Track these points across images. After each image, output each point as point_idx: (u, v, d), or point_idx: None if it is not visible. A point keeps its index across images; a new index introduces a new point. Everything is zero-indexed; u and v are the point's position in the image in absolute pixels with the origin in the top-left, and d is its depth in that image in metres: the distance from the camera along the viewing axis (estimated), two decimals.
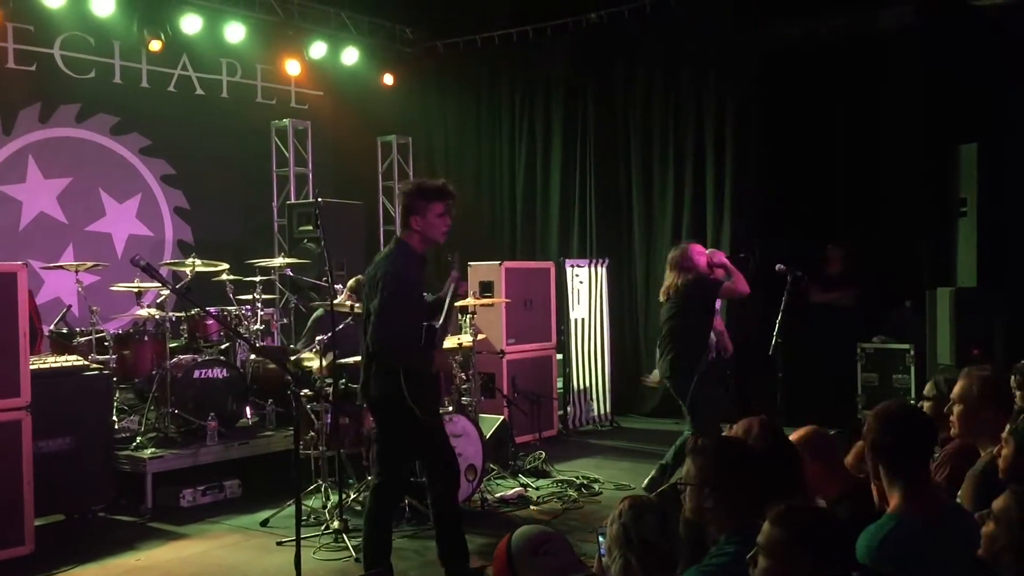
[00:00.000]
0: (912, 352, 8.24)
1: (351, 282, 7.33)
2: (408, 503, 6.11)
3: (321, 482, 6.26)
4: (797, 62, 8.86)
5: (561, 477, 7.14)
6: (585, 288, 9.52)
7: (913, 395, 8.02)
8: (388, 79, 11.28)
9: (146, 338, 7.26)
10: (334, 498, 5.99)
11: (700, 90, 9.69)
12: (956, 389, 3.60)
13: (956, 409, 3.55)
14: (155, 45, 9.12)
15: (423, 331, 4.57)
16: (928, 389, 4.25)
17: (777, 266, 7.17)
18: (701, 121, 9.69)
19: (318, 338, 6.60)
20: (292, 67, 10.53)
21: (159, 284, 6.04)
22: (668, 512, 2.90)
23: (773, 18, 9.03)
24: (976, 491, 3.20)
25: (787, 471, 3.29)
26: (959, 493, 3.34)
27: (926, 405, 4.25)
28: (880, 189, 8.64)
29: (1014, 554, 2.26)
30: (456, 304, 5.00)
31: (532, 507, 6.47)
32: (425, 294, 4.82)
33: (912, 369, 8.22)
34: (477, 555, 5.32)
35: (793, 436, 3.44)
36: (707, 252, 6.76)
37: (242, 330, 7.35)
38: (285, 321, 9.65)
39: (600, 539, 3.19)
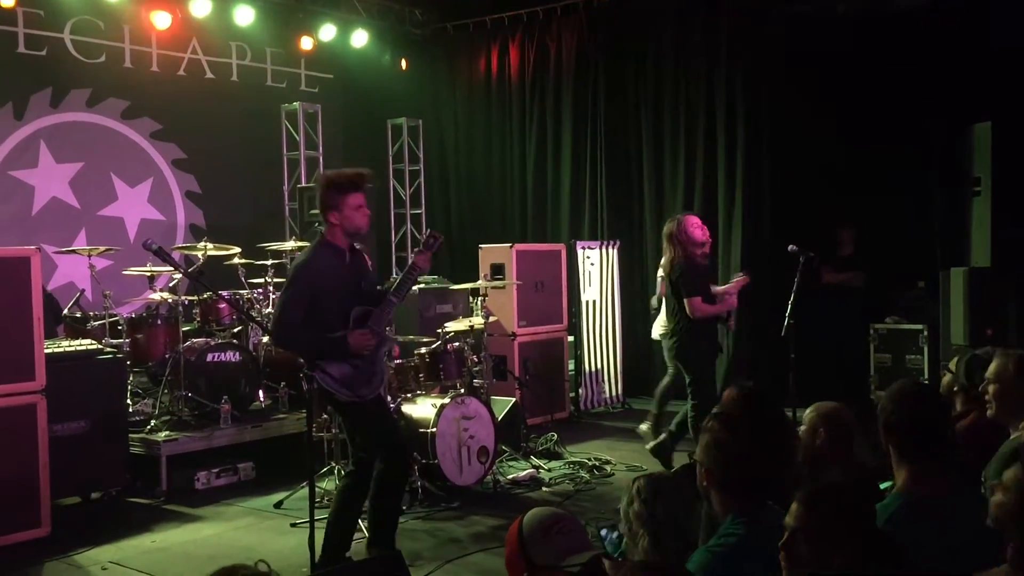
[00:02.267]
0: (925, 333, 8.21)
1: None
2: (420, 484, 6.14)
3: (334, 464, 6.30)
4: (810, 40, 8.79)
5: (573, 459, 7.15)
6: (596, 270, 9.50)
7: (927, 376, 8.00)
8: (403, 64, 11.25)
9: (159, 322, 7.29)
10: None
11: (712, 69, 9.63)
12: (992, 368, 3.61)
13: (992, 388, 3.55)
14: (164, 21, 9.19)
15: (351, 321, 4.59)
16: (953, 365, 4.25)
17: (789, 247, 7.16)
18: (712, 100, 9.64)
19: None
20: (306, 43, 10.52)
21: (171, 268, 6.08)
22: (684, 486, 2.92)
23: None
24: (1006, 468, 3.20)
25: (782, 447, 3.30)
26: (985, 472, 3.34)
27: (946, 378, 4.27)
28: (893, 169, 8.58)
29: (1018, 523, 2.27)
30: (412, 278, 4.96)
31: (544, 489, 6.50)
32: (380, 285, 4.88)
33: (925, 350, 8.19)
34: (490, 537, 5.35)
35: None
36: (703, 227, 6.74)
37: (254, 313, 7.37)
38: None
39: (603, 532, 3.22)
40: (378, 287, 4.92)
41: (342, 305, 4.62)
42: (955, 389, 4.18)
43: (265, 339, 7.55)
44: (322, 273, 4.63)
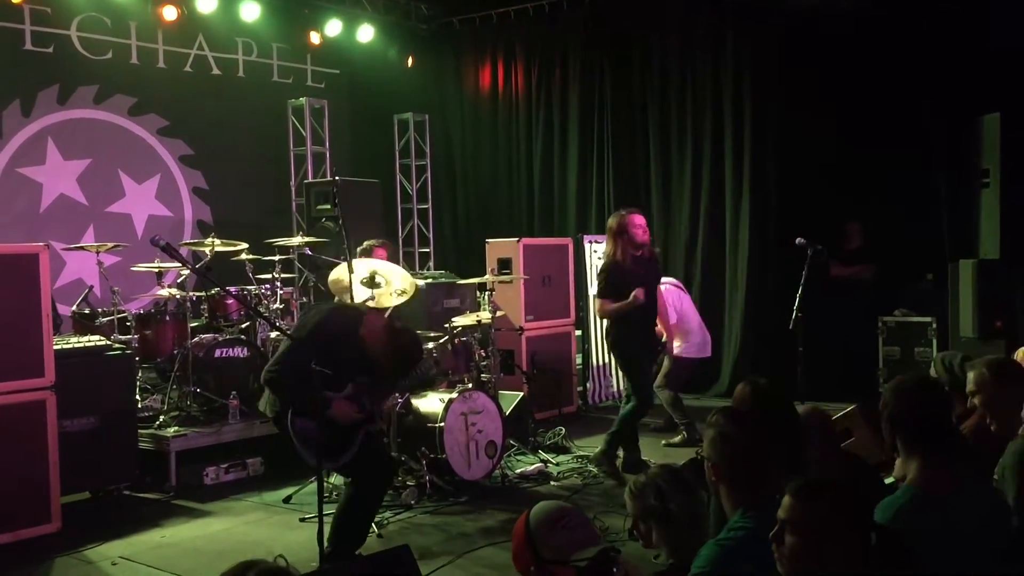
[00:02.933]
0: (934, 325, 8.17)
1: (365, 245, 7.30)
2: (428, 479, 6.15)
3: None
4: (817, 31, 8.75)
5: (581, 453, 7.15)
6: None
7: (932, 372, 7.97)
8: (409, 61, 11.25)
9: (167, 318, 7.30)
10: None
11: (718, 62, 9.61)
12: (970, 380, 3.59)
13: (977, 400, 3.53)
14: (172, 13, 9.24)
15: (349, 385, 4.69)
16: (935, 369, 4.26)
17: (797, 240, 7.14)
18: (719, 93, 9.61)
19: None
20: (314, 37, 10.54)
21: (179, 264, 6.09)
22: (693, 479, 2.92)
23: None
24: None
25: (792, 441, 3.30)
26: (1001, 465, 3.33)
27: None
28: (901, 161, 8.54)
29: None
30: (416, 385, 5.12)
31: (552, 483, 6.49)
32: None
33: (934, 342, 8.16)
34: (498, 531, 5.35)
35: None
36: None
37: (262, 309, 7.38)
38: (304, 300, 9.67)
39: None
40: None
41: (345, 368, 4.66)
42: (969, 406, 4.16)
43: (273, 334, 7.56)
44: (338, 340, 4.72)
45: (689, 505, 2.89)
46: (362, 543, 4.89)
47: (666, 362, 7.90)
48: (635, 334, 6.49)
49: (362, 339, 4.82)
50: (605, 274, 6.51)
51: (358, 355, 4.79)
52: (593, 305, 6.71)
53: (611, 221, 6.59)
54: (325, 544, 4.49)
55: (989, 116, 7.77)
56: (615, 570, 2.59)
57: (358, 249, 7.10)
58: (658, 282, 6.97)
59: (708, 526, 2.98)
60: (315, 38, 10.61)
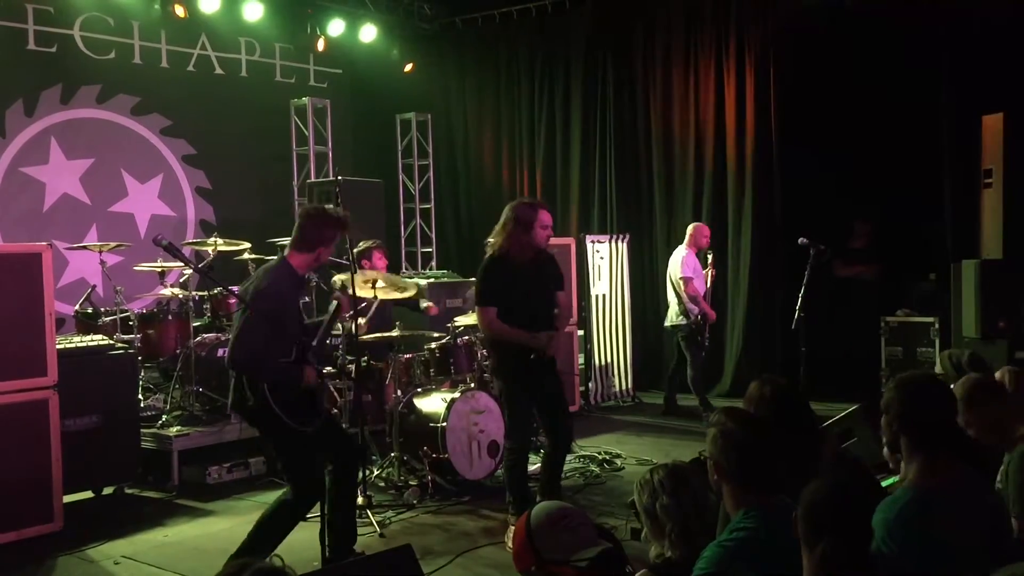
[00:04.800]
0: (937, 325, 8.17)
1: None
2: (430, 479, 6.15)
3: None
4: (818, 31, 8.75)
5: (583, 453, 7.15)
6: (606, 264, 9.49)
7: (938, 369, 7.97)
8: (408, 66, 11.25)
9: (170, 317, 7.31)
10: (358, 474, 6.03)
11: (721, 61, 9.60)
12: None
13: (965, 421, 3.52)
14: (180, 10, 9.30)
15: (294, 348, 4.51)
16: (941, 366, 4.25)
17: (799, 240, 7.14)
18: (721, 94, 9.61)
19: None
20: (319, 45, 10.57)
21: (182, 264, 6.10)
22: (703, 474, 2.90)
23: None
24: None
25: (806, 443, 3.28)
26: (1004, 467, 3.33)
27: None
28: (905, 161, 8.53)
29: None
30: (336, 321, 5.00)
31: None
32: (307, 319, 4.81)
33: (937, 342, 8.15)
34: (500, 531, 5.35)
35: None
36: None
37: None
38: (307, 299, 9.67)
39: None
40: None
41: (289, 337, 4.51)
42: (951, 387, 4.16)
43: None
44: (289, 303, 4.57)
45: (693, 502, 2.86)
46: (355, 537, 4.84)
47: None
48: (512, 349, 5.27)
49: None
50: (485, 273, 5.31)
51: (297, 316, 4.68)
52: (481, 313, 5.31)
53: (510, 210, 5.29)
54: (327, 546, 4.50)
55: (992, 116, 7.77)
56: (628, 569, 2.60)
57: (355, 251, 7.11)
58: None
59: (700, 528, 2.92)
60: (320, 45, 10.60)
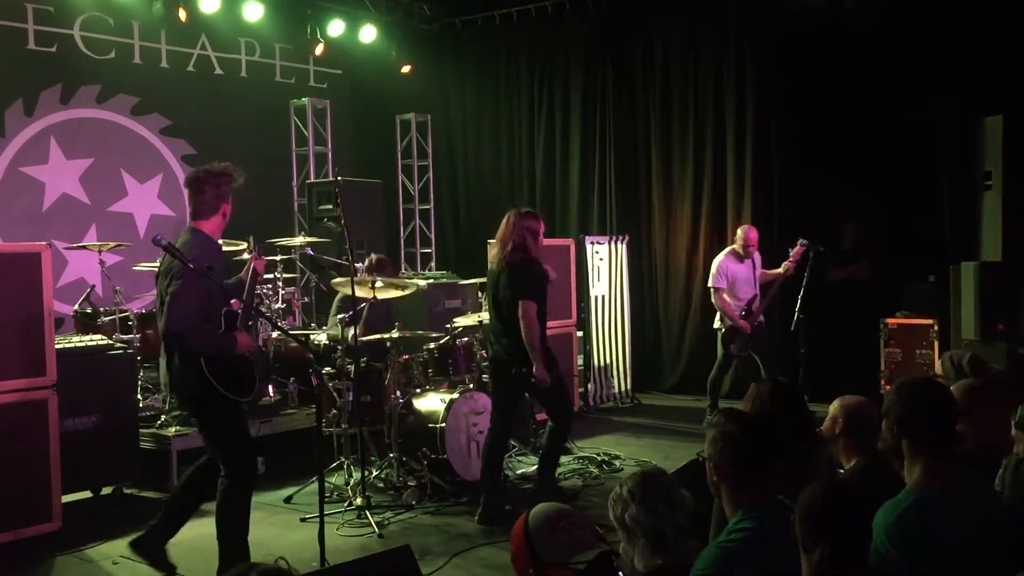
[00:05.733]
0: (936, 327, 8.16)
1: (368, 261, 7.38)
2: (429, 479, 6.15)
3: (343, 459, 6.33)
4: (818, 34, 8.75)
5: (582, 454, 7.16)
6: (605, 265, 9.49)
7: (938, 369, 7.97)
8: (406, 68, 11.25)
9: None
10: (356, 475, 6.04)
11: (719, 64, 9.61)
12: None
13: (963, 425, 3.52)
14: (183, 15, 9.30)
15: (223, 317, 4.50)
16: (942, 368, 4.24)
17: (799, 241, 7.15)
18: (721, 95, 9.61)
19: (339, 316, 6.65)
20: (317, 49, 10.58)
21: (181, 264, 6.08)
22: (671, 480, 2.86)
23: None
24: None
25: (803, 444, 3.28)
26: (997, 480, 3.33)
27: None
28: (904, 163, 8.54)
29: None
30: (256, 284, 4.98)
31: None
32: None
33: (936, 344, 8.15)
34: (498, 532, 5.35)
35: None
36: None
37: (263, 309, 7.38)
38: (306, 300, 9.69)
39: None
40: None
41: (218, 305, 4.51)
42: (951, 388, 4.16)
43: (275, 334, 7.57)
44: (213, 271, 4.54)
45: (650, 516, 2.69)
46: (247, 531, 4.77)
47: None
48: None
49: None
50: (527, 272, 5.71)
51: (224, 286, 4.65)
52: (520, 308, 5.62)
53: (521, 220, 5.78)
54: (327, 544, 4.49)
55: (992, 118, 7.78)
56: (620, 574, 2.58)
57: (364, 264, 7.18)
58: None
59: (676, 534, 2.84)
60: (318, 50, 10.61)
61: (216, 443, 4.68)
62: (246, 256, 7.69)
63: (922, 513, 2.73)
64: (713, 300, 8.11)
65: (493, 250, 5.91)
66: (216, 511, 4.65)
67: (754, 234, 8.16)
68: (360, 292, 6.32)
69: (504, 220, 5.84)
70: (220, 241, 4.86)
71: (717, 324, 8.22)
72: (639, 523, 2.67)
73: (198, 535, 5.55)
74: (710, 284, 8.15)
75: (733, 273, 8.08)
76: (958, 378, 4.10)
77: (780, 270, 8.04)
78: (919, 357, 8.25)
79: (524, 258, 5.69)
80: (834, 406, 3.49)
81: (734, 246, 8.21)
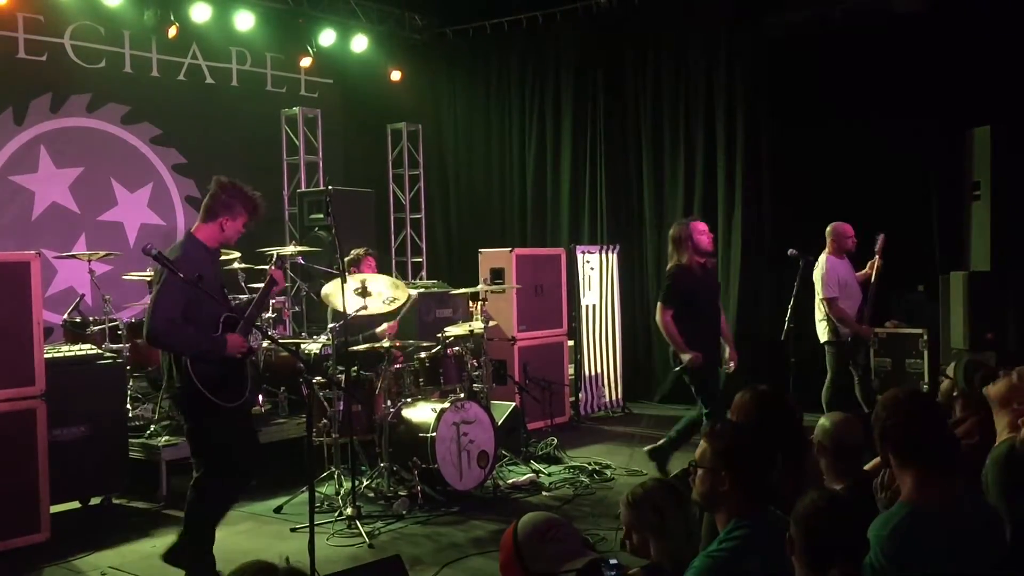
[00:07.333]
0: (926, 337, 8.19)
1: (354, 254, 7.30)
2: (420, 489, 6.14)
3: (334, 469, 6.30)
4: (808, 45, 8.80)
5: (573, 463, 7.15)
6: (596, 274, 9.50)
7: (927, 380, 7.99)
8: (395, 75, 11.26)
9: None
10: (347, 485, 6.02)
11: (710, 75, 9.64)
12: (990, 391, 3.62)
13: (970, 425, 3.52)
14: (172, 31, 9.27)
15: (221, 322, 4.58)
16: (954, 377, 4.21)
17: (789, 251, 7.16)
18: (712, 106, 9.65)
19: (330, 325, 6.65)
20: (304, 62, 10.60)
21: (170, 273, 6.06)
22: (688, 492, 2.91)
23: (785, 0, 8.98)
24: (1001, 475, 3.21)
25: (792, 453, 3.29)
26: (984, 477, 3.33)
27: (944, 384, 4.25)
28: (892, 173, 8.57)
29: None
30: (271, 292, 5.08)
31: (544, 493, 6.48)
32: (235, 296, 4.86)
33: (926, 354, 8.18)
34: (489, 541, 5.34)
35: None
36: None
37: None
38: (297, 309, 9.68)
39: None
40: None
41: (211, 307, 4.56)
42: (954, 394, 4.16)
43: (265, 343, 7.56)
44: (200, 266, 4.59)
45: (684, 519, 2.88)
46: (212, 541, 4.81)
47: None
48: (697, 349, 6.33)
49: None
50: (671, 280, 6.40)
51: (218, 292, 4.69)
52: (655, 312, 6.46)
53: (673, 230, 6.55)
54: (318, 555, 4.48)
55: (980, 129, 7.82)
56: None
57: (346, 259, 7.10)
58: (718, 293, 6.91)
59: (699, 538, 2.98)
60: (306, 62, 10.63)
61: (199, 447, 4.71)
62: (237, 266, 7.72)
63: (915, 525, 2.72)
64: (829, 312, 7.21)
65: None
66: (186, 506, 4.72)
67: (850, 227, 7.41)
68: (352, 301, 6.31)
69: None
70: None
71: (826, 336, 7.33)
72: (655, 530, 2.78)
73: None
74: (823, 296, 7.22)
75: (843, 277, 7.29)
76: (967, 390, 4.05)
77: (868, 269, 7.43)
78: (909, 366, 8.27)
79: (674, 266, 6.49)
80: (817, 429, 3.46)
81: (830, 247, 7.37)
